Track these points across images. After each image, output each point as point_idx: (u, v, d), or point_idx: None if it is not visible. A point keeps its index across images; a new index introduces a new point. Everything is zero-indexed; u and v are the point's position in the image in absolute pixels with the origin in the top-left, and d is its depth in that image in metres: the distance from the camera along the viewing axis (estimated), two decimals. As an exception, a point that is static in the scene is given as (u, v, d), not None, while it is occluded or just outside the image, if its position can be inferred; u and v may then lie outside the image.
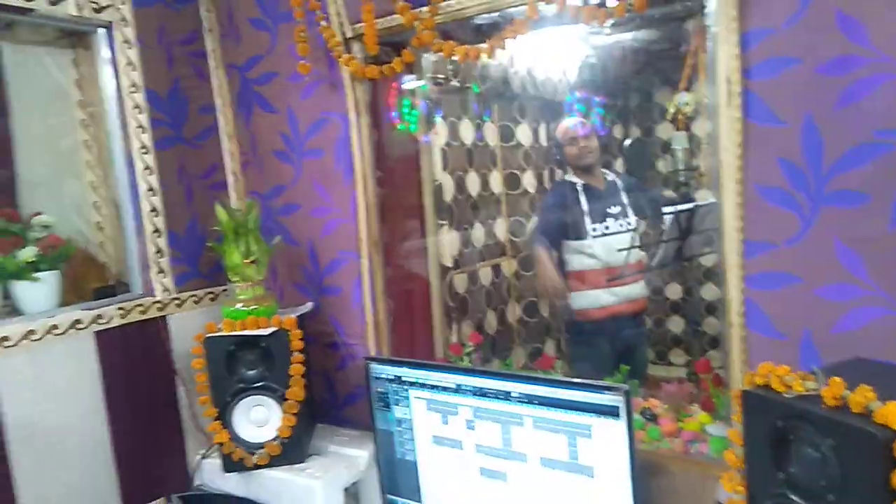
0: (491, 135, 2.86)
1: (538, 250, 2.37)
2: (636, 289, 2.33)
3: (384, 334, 1.77)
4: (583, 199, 2.31)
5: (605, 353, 2.29)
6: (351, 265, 1.79)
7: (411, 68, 1.80)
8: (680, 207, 2.28)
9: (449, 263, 2.39)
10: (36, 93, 1.83)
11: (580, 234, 2.30)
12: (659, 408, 1.52)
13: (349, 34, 1.66)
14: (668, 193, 2.76)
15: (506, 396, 1.38)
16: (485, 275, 2.80)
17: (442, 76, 2.29)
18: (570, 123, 2.42)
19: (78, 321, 1.61)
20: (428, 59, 1.99)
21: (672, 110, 2.27)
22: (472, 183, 2.76)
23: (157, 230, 1.80)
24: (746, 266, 1.25)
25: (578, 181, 2.34)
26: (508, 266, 2.93)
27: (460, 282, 2.59)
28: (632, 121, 2.99)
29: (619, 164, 2.87)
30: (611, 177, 2.40)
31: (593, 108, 2.70)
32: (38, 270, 1.61)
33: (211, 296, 1.92)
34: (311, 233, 1.85)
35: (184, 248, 1.86)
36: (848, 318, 1.17)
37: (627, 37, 2.16)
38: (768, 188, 1.22)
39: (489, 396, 1.41)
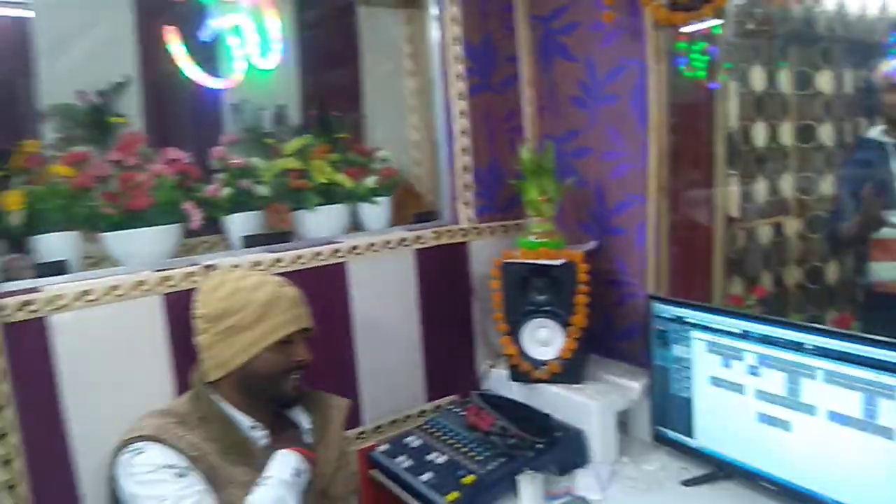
0: (785, 82, 2.66)
1: None
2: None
3: (664, 276, 1.84)
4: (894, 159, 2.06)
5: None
6: (637, 208, 1.87)
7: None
8: None
9: (736, 215, 2.32)
10: (378, 47, 2.20)
11: (889, 203, 2.06)
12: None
13: (655, -19, 1.70)
14: None
15: (797, 347, 1.38)
16: (764, 232, 2.67)
17: (739, 20, 2.19)
18: (890, 67, 2.15)
19: (404, 239, 1.95)
20: (730, 2, 1.93)
21: None
22: (759, 134, 2.62)
23: (465, 167, 2.07)
24: None
25: (889, 140, 2.08)
26: (792, 225, 2.74)
27: (739, 236, 2.50)
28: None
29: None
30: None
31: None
32: (376, 195, 1.97)
33: (503, 228, 2.15)
34: (601, 175, 1.97)
35: (485, 184, 2.11)
36: None
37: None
38: None
39: (778, 345, 1.42)
